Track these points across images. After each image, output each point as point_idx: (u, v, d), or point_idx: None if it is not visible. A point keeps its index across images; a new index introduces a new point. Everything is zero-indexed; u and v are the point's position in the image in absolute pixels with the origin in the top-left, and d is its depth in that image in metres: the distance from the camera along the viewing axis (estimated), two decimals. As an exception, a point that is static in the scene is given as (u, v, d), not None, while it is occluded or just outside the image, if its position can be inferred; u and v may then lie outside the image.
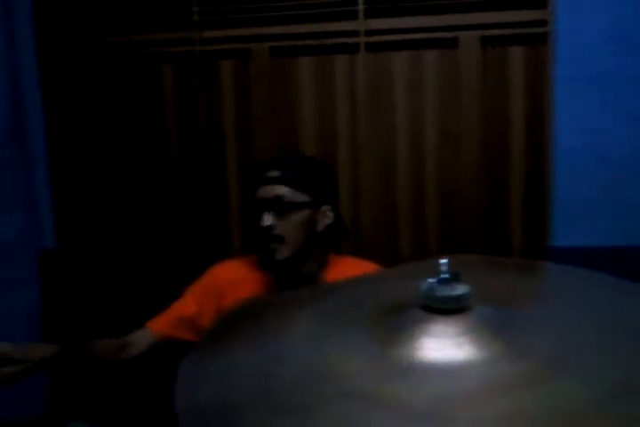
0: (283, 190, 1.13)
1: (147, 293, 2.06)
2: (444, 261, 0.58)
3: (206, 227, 2.01)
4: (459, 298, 0.55)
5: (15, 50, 1.97)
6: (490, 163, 1.87)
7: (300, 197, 1.14)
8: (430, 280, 0.56)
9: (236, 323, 0.54)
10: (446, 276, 0.56)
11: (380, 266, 1.27)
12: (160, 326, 1.22)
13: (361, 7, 1.83)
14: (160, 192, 2.03)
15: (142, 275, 2.07)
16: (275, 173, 1.14)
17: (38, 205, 2.07)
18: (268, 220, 1.11)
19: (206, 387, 0.44)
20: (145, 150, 2.03)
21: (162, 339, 1.21)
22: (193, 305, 1.22)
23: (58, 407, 2.08)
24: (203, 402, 0.43)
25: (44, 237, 2.09)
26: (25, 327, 1.98)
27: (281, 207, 1.13)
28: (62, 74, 2.03)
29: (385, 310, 0.52)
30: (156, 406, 1.75)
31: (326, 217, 1.20)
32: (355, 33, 1.86)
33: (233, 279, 1.23)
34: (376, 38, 1.85)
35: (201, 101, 1.97)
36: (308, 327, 0.51)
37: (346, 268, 1.24)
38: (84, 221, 2.08)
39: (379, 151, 1.91)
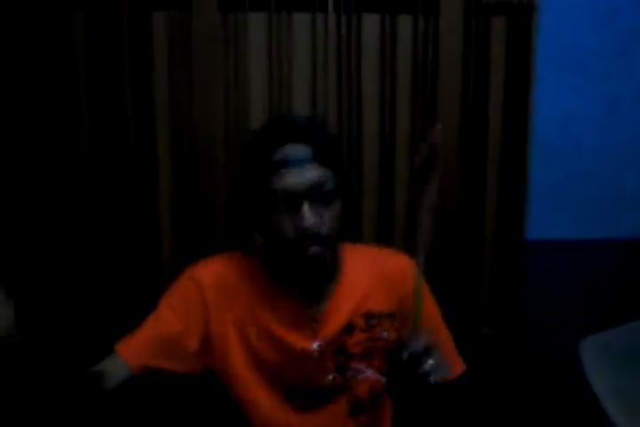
0: (321, 175, 0.80)
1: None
2: None
3: (131, 223, 1.61)
4: None
5: None
6: (467, 147, 1.67)
7: (335, 181, 0.82)
8: None
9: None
10: None
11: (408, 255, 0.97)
12: (136, 355, 0.85)
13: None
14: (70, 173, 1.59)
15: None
16: (304, 151, 0.79)
17: None
18: (310, 217, 0.78)
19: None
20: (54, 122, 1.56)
21: (139, 372, 0.85)
22: (175, 322, 0.87)
23: None
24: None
25: None
26: None
27: (321, 198, 0.80)
28: None
29: None
30: None
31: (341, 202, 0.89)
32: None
33: (223, 289, 0.89)
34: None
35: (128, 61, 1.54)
36: None
37: (369, 259, 0.96)
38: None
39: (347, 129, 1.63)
